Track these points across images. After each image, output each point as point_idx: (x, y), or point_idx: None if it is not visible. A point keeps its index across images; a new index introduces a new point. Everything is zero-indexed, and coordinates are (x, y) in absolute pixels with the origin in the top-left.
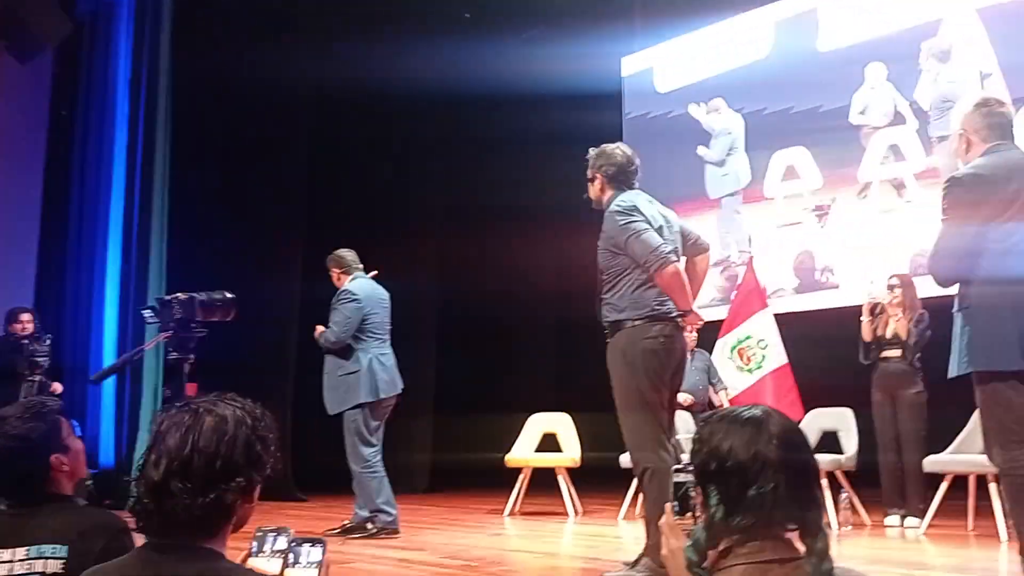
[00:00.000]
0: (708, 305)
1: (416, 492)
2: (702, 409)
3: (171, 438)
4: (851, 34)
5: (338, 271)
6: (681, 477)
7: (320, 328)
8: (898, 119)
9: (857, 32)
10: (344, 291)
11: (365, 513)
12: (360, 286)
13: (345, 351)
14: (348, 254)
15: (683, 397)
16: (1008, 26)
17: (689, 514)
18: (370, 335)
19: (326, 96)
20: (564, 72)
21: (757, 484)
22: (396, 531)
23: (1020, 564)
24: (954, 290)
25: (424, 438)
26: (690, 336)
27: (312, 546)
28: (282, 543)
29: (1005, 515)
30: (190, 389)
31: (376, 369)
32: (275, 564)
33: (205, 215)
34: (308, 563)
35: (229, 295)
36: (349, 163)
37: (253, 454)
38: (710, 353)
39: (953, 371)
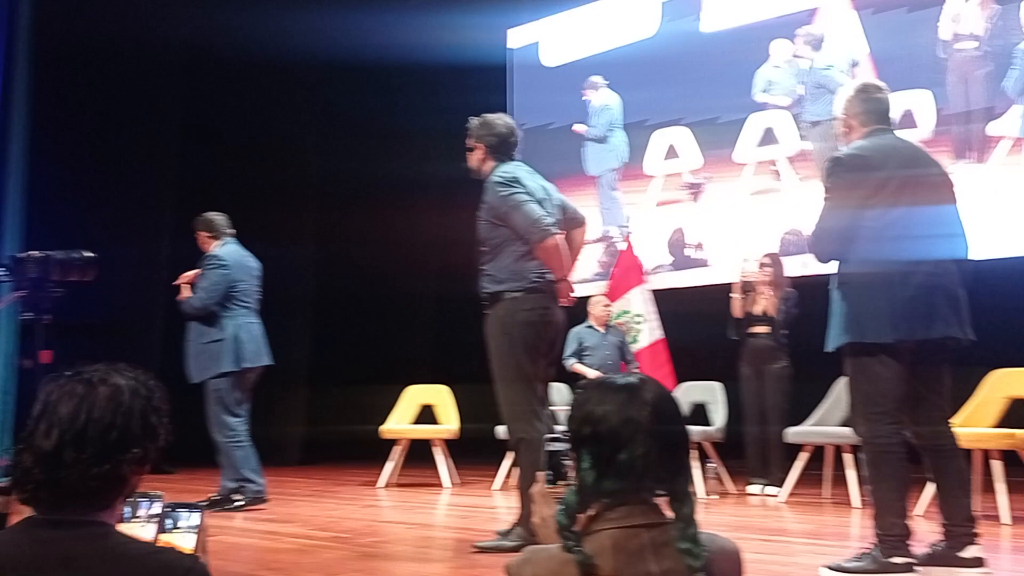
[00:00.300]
0: (589, 280)
1: (288, 465)
2: None
3: (64, 407)
4: (732, 17)
5: (206, 234)
6: (555, 446)
7: (185, 292)
8: (802, 99)
9: (737, 16)
10: (212, 256)
11: (232, 484)
12: (229, 252)
13: (210, 318)
14: (218, 217)
15: (593, 374)
16: (879, 17)
17: (562, 483)
18: (237, 303)
19: (202, 56)
20: (448, 42)
21: (628, 449)
22: (264, 500)
23: (872, 529)
24: (822, 269)
25: (298, 411)
26: (606, 311)
27: (190, 511)
28: (156, 509)
29: (861, 483)
30: (44, 356)
31: (242, 338)
32: (149, 530)
33: (69, 172)
34: (188, 527)
35: (89, 254)
36: (225, 126)
37: (148, 425)
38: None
39: (830, 344)
